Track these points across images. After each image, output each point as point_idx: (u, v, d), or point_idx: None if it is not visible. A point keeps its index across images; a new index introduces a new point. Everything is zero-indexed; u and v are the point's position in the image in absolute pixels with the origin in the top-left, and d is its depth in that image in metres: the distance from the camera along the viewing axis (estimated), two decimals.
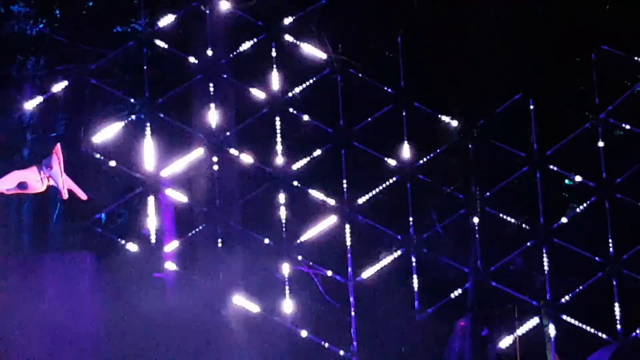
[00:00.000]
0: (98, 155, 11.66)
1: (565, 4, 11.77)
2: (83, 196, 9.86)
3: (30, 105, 11.92)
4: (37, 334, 10.69)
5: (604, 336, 11.57)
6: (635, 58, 12.14)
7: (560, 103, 12.28)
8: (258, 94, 12.05)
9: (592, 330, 11.62)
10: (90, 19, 12.09)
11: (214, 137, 11.90)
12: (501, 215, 11.99)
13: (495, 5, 11.96)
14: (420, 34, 12.00)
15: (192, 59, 12.04)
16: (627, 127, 12.14)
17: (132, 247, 11.72)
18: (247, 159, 11.96)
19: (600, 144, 12.03)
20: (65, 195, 9.77)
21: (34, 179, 9.68)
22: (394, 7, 11.65)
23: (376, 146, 11.98)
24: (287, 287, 11.79)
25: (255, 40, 12.13)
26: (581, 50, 12.08)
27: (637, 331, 11.67)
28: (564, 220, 12.10)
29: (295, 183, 11.88)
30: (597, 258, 11.81)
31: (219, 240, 11.88)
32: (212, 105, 12.00)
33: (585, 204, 12.07)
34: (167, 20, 12.05)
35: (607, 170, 11.97)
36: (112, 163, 11.79)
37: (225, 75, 12.06)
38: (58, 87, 11.90)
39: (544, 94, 12.10)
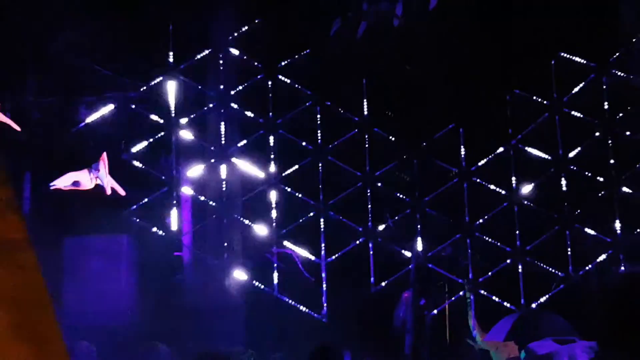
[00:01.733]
0: (135, 162, 11.75)
1: (485, 55, 11.80)
2: (122, 192, 10.05)
3: (84, 122, 12.02)
4: (91, 294, 10.87)
5: (511, 307, 11.58)
6: (539, 100, 12.14)
7: (483, 131, 12.24)
8: (257, 118, 12.08)
9: (503, 302, 11.67)
10: (131, 58, 12.11)
11: (223, 150, 11.90)
12: (437, 214, 11.99)
13: (435, 57, 12.11)
14: (381, 77, 12.12)
15: (208, 91, 12.11)
16: (533, 151, 12.16)
17: (159, 232, 11.74)
18: (247, 166, 11.94)
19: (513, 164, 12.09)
20: (109, 192, 9.95)
21: (86, 179, 9.84)
22: (360, 59, 11.72)
23: (345, 160, 11.98)
24: (275, 265, 11.77)
25: (256, 77, 12.14)
26: (498, 93, 12.12)
27: (534, 304, 11.66)
28: (482, 220, 12.10)
29: (283, 186, 11.92)
30: (507, 248, 11.83)
31: (224, 229, 11.87)
32: (223, 125, 12.06)
33: (499, 207, 12.03)
34: (190, 60, 12.03)
35: (517, 182, 11.98)
36: (146, 168, 11.83)
37: (232, 104, 12.06)
38: (105, 110, 11.87)
39: (471, 124, 12.14)
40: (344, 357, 4.51)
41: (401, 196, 12.10)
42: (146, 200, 11.86)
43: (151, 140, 11.92)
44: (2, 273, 1.00)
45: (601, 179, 11.90)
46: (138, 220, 11.78)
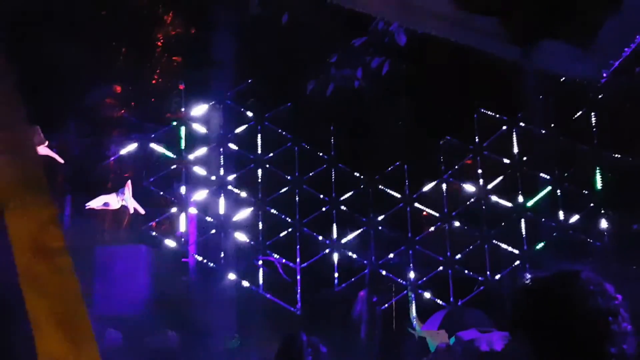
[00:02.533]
0: (153, 188, 11.73)
1: (424, 109, 11.84)
2: (142, 211, 9.95)
3: (114, 157, 11.98)
4: (116, 291, 10.74)
5: (443, 303, 11.49)
6: (465, 144, 12.16)
7: (422, 168, 12.24)
8: (249, 155, 12.04)
9: (437, 300, 11.60)
10: (151, 108, 12.11)
11: (221, 179, 11.85)
12: (386, 231, 11.96)
13: (386, 110, 12.19)
14: (344, 125, 12.18)
15: (211, 134, 12.06)
16: (460, 184, 12.19)
17: (170, 243, 11.58)
18: (240, 192, 11.95)
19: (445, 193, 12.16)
20: (132, 211, 9.86)
21: (114, 201, 9.74)
22: (329, 111, 11.76)
23: (316, 188, 11.97)
24: (260, 269, 11.72)
25: (248, 124, 12.16)
26: (434, 138, 12.16)
27: (461, 302, 11.53)
28: (421, 235, 12.11)
29: (268, 208, 11.87)
30: (440, 258, 11.77)
31: (221, 241, 11.76)
32: (222, 160, 12.02)
33: (435, 226, 12.07)
34: (196, 110, 12.06)
35: (448, 206, 11.94)
36: (161, 192, 11.85)
37: (230, 144, 12.07)
38: (130, 147, 11.88)
39: (413, 162, 12.15)
40: (304, 343, 4.41)
41: (359, 216, 12.04)
42: (161, 218, 11.81)
43: (165, 171, 11.86)
44: (44, 274, 0.98)
45: (511, 205, 11.94)
46: (154, 233, 11.72)
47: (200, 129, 12.12)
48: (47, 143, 8.10)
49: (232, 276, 11.64)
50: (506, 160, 12.10)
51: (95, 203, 9.56)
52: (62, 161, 8.71)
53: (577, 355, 1.76)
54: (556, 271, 1.88)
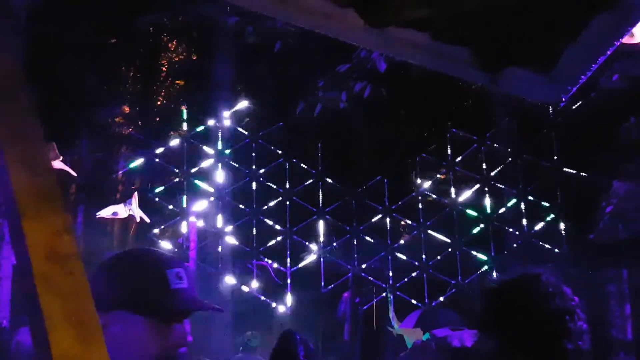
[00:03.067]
0: (157, 199, 11.68)
1: (403, 130, 11.90)
2: (147, 220, 9.89)
3: (122, 171, 11.92)
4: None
5: (418, 304, 11.42)
6: (439, 161, 12.20)
7: (400, 182, 12.33)
8: (244, 169, 11.98)
9: (414, 301, 11.52)
10: (156, 127, 12.09)
11: (219, 191, 11.77)
12: (368, 238, 11.89)
13: (368, 129, 12.24)
14: (331, 143, 12.21)
15: (210, 150, 11.97)
16: (435, 196, 12.19)
17: (173, 248, 11.46)
18: (236, 203, 11.89)
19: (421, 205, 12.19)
20: (138, 220, 9.78)
21: (122, 210, 9.67)
22: (317, 129, 11.81)
23: (305, 200, 11.89)
24: (254, 272, 11.64)
25: (244, 142, 12.06)
26: (411, 156, 12.25)
27: (434, 303, 11.49)
28: (400, 243, 12.11)
29: (262, 217, 11.77)
30: (416, 263, 11.69)
31: (219, 246, 11.75)
32: (220, 174, 11.85)
33: (411, 234, 12.09)
34: (197, 128, 11.98)
35: (424, 217, 11.91)
36: (165, 203, 11.69)
37: (227, 159, 12.01)
38: (137, 162, 11.79)
39: (392, 177, 12.17)
40: (297, 341, 4.39)
41: (343, 225, 12.01)
42: (164, 226, 11.75)
43: (169, 184, 11.80)
44: (58, 277, 0.98)
45: (481, 216, 11.97)
46: (158, 240, 11.60)
47: (200, 145, 12.06)
48: (61, 158, 8.05)
49: (228, 279, 11.57)
50: (476, 175, 12.13)
51: (105, 212, 9.51)
52: (75, 174, 8.66)
53: (537, 351, 1.77)
54: (519, 274, 1.90)
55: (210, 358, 9.42)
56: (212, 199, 11.83)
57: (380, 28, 2.13)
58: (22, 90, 1.17)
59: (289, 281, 11.59)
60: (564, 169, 11.68)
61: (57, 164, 7.94)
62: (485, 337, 1.85)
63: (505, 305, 1.83)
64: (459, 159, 12.12)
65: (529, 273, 1.88)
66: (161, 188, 11.70)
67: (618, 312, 9.63)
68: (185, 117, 12.09)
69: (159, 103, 12.42)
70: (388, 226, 11.98)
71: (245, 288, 11.60)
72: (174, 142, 12.01)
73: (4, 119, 1.10)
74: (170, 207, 11.74)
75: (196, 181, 11.81)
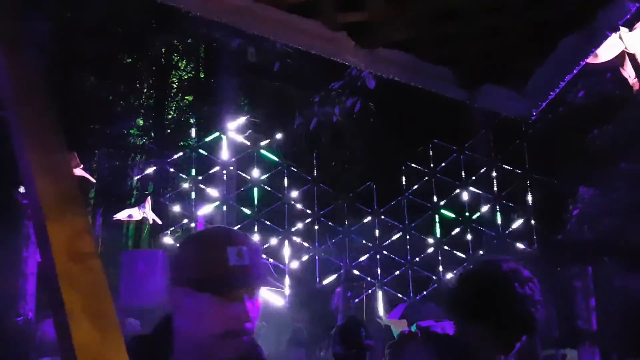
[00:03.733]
0: (169, 203, 11.66)
1: (388, 140, 11.86)
2: (159, 222, 9.85)
3: (137, 178, 11.89)
4: (138, 286, 10.58)
5: (404, 297, 11.44)
6: (422, 169, 12.14)
7: (387, 188, 12.23)
8: (247, 176, 11.97)
9: (400, 295, 11.50)
10: (168, 138, 12.06)
11: (224, 197, 11.78)
12: (359, 238, 11.89)
13: (359, 140, 12.21)
14: (325, 152, 12.20)
15: (216, 159, 11.97)
16: (419, 200, 12.19)
17: None
18: (239, 207, 11.95)
19: (406, 208, 12.15)
20: (151, 222, 9.74)
21: (136, 213, 9.63)
22: (313, 140, 11.78)
23: (301, 203, 11.88)
24: None
25: (246, 151, 12.02)
26: (397, 164, 12.22)
27: (418, 297, 11.50)
28: (387, 242, 12.06)
29: (263, 220, 11.77)
30: (402, 260, 11.70)
31: None
32: (225, 181, 11.91)
33: (397, 235, 12.02)
34: (205, 139, 12.06)
35: (409, 219, 11.95)
36: (176, 207, 11.77)
37: (231, 167, 12.01)
38: (150, 170, 11.82)
39: (380, 183, 12.18)
40: (359, 323, 4.54)
41: (336, 226, 11.97)
42: (174, 227, 11.68)
43: (179, 189, 11.74)
44: (78, 274, 0.97)
45: (460, 218, 11.96)
46: (169, 240, 11.56)
47: (207, 155, 12.03)
48: (82, 166, 8.00)
49: None
50: (456, 182, 12.12)
51: (121, 215, 9.49)
52: (94, 181, 8.62)
53: (499, 317, 1.80)
54: (483, 262, 1.94)
55: None
56: (218, 203, 11.79)
57: (370, 49, 2.14)
58: (47, 105, 1.17)
59: (287, 278, 11.57)
60: (535, 176, 11.70)
61: (78, 171, 7.90)
62: (463, 324, 1.87)
63: (471, 288, 1.87)
64: (440, 167, 12.14)
65: (491, 260, 1.94)
66: (172, 193, 11.65)
67: (584, 305, 9.63)
68: (193, 129, 12.06)
69: (170, 116, 12.39)
70: (377, 227, 11.96)
71: None
72: (184, 152, 11.96)
73: (31, 131, 1.10)
74: (181, 210, 11.68)
75: (204, 187, 11.78)
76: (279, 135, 12.10)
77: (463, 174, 12.13)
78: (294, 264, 11.67)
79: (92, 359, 0.90)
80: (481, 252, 11.73)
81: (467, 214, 11.97)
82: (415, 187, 12.10)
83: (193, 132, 12.04)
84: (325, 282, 11.62)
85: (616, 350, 8.80)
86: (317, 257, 11.68)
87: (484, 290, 1.84)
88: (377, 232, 11.95)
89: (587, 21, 2.04)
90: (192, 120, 12.09)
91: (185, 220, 11.65)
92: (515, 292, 1.80)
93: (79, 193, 1.06)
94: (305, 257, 11.74)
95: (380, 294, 11.49)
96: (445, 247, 11.75)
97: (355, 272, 11.72)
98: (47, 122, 1.13)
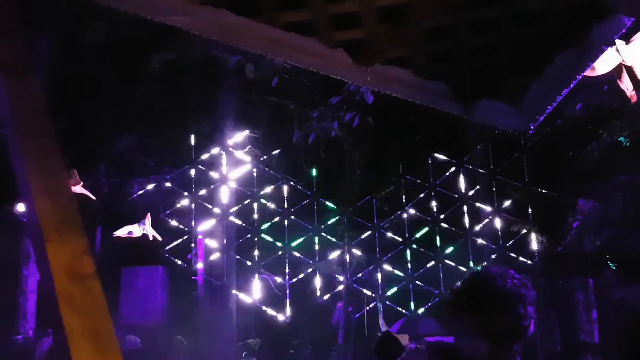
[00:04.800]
0: (168, 219, 11.66)
1: (389, 154, 11.87)
2: (159, 238, 9.81)
3: (136, 194, 11.87)
4: (138, 304, 10.55)
5: (405, 312, 11.43)
6: (422, 182, 12.20)
7: (387, 201, 12.26)
8: (246, 192, 11.98)
9: (400, 309, 11.48)
10: (167, 155, 12.04)
11: (224, 212, 11.73)
12: (359, 253, 11.87)
13: (357, 155, 12.20)
14: (325, 167, 12.17)
15: (215, 174, 12.01)
16: (418, 214, 12.21)
17: (183, 263, 11.51)
18: (239, 222, 11.93)
19: (406, 221, 12.14)
20: (151, 238, 9.70)
21: (136, 230, 9.60)
22: (312, 155, 11.77)
23: (302, 218, 11.87)
24: (256, 285, 11.57)
25: (245, 167, 12.05)
26: (396, 177, 12.23)
27: (420, 310, 11.41)
28: (388, 256, 12.04)
29: (262, 234, 11.83)
30: (402, 274, 11.70)
31: (224, 262, 11.58)
32: (224, 197, 11.81)
33: (398, 249, 11.98)
34: (204, 156, 12.07)
35: (409, 232, 11.96)
36: (175, 223, 11.70)
37: (230, 183, 11.95)
38: (150, 186, 11.82)
39: (380, 197, 12.19)
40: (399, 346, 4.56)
41: (336, 241, 11.94)
42: (175, 243, 11.63)
43: (178, 205, 11.73)
44: (77, 295, 0.97)
45: (460, 232, 11.95)
46: (169, 256, 11.52)
47: (207, 171, 12.02)
48: (82, 183, 8.01)
49: (233, 291, 11.48)
50: (455, 195, 12.13)
51: (121, 232, 9.44)
52: (94, 198, 8.60)
53: (493, 316, 1.83)
54: (474, 272, 2.00)
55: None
56: (217, 219, 11.77)
57: (367, 66, 2.16)
58: (46, 125, 1.18)
59: (287, 292, 11.52)
60: (534, 189, 11.71)
61: (78, 188, 7.90)
62: (466, 337, 1.88)
63: (462, 290, 1.93)
64: (439, 180, 12.14)
65: (482, 269, 2.00)
66: (172, 209, 11.62)
67: (585, 317, 9.59)
68: (193, 145, 12.07)
69: (170, 134, 12.39)
70: (377, 241, 11.94)
71: (248, 299, 11.48)
72: (183, 168, 11.95)
73: (30, 152, 1.11)
74: (180, 226, 11.65)
75: (203, 203, 11.76)
76: (278, 151, 12.11)
77: (462, 186, 12.13)
78: (295, 279, 11.59)
79: None
80: (482, 265, 11.69)
81: (467, 226, 11.95)
82: (415, 200, 12.10)
83: (192, 148, 11.97)
84: (326, 297, 11.57)
85: None
86: (317, 272, 11.63)
87: (470, 288, 1.90)
88: (377, 246, 11.88)
89: (583, 36, 2.06)
90: (191, 137, 12.06)
91: (186, 237, 11.60)
92: (503, 286, 1.85)
93: (79, 214, 1.06)
94: (305, 272, 11.69)
95: (381, 308, 11.42)
96: (447, 261, 11.71)
97: (356, 286, 11.66)
98: (47, 143, 1.14)
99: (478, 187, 12.13)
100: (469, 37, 2.17)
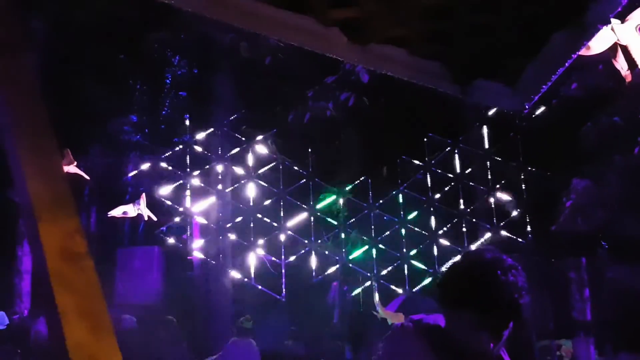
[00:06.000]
0: (163, 200, 11.61)
1: (385, 135, 11.83)
2: (154, 219, 9.82)
3: (131, 174, 11.85)
4: (134, 284, 10.59)
5: (401, 291, 11.44)
6: (418, 162, 12.17)
7: (383, 182, 12.27)
8: (242, 172, 12.03)
9: (396, 288, 11.50)
10: (162, 134, 12.02)
11: (220, 192, 11.72)
12: (354, 232, 11.91)
13: (353, 135, 12.19)
14: (321, 147, 12.19)
15: (211, 154, 11.96)
16: (414, 194, 12.29)
17: (178, 244, 11.47)
18: (235, 202, 11.88)
19: (403, 201, 12.17)
20: (146, 218, 9.71)
21: (131, 210, 9.61)
22: (307, 135, 11.75)
23: (297, 198, 11.82)
24: (252, 265, 11.57)
25: (241, 146, 11.97)
26: (393, 158, 12.25)
27: (416, 288, 11.52)
28: (383, 236, 12.07)
29: (259, 215, 11.79)
30: (397, 254, 11.72)
31: (220, 241, 11.61)
32: (220, 176, 11.89)
33: (393, 229, 11.97)
34: (199, 136, 12.03)
35: (404, 212, 11.98)
36: (170, 203, 11.66)
37: (226, 163, 12.00)
38: (144, 166, 11.82)
39: (376, 177, 12.20)
40: None
41: (332, 221, 11.94)
42: (170, 224, 11.63)
43: (174, 185, 11.71)
44: (70, 274, 0.97)
45: (455, 211, 11.98)
46: (164, 236, 11.52)
47: (202, 151, 11.99)
48: (75, 163, 7.96)
49: (229, 271, 11.51)
50: (450, 175, 12.14)
51: (116, 212, 9.45)
52: (88, 178, 8.57)
53: (484, 304, 1.83)
54: (467, 253, 2.01)
55: (216, 341, 9.38)
56: (213, 198, 11.75)
57: (362, 45, 2.14)
58: (39, 105, 1.17)
59: (283, 272, 11.54)
60: (529, 168, 11.73)
61: (72, 168, 7.86)
62: (451, 314, 1.90)
63: (458, 278, 1.92)
64: (435, 160, 12.13)
65: (474, 252, 1.98)
66: (167, 189, 11.60)
67: (578, 296, 9.68)
68: (187, 125, 12.02)
69: (164, 112, 12.34)
70: (372, 221, 11.94)
71: (244, 279, 11.52)
72: (178, 148, 11.91)
73: (23, 132, 1.10)
74: (175, 206, 11.62)
75: (198, 183, 11.74)
76: (273, 131, 12.05)
77: (458, 166, 12.14)
78: (291, 259, 11.62)
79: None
80: (476, 244, 11.76)
81: (462, 205, 11.98)
82: (411, 180, 12.09)
83: (187, 128, 11.93)
84: (321, 276, 11.60)
85: (610, 341, 8.85)
86: (313, 252, 11.64)
87: (468, 278, 1.88)
88: (372, 226, 11.90)
89: (579, 14, 2.04)
90: (186, 116, 12.01)
91: (181, 217, 11.61)
92: (498, 279, 1.84)
93: (71, 194, 1.05)
94: (301, 252, 11.70)
95: (376, 287, 11.48)
96: (441, 240, 11.76)
97: (352, 266, 11.70)
98: (40, 123, 1.13)
99: (473, 166, 12.13)
100: (466, 16, 2.15)
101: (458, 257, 2.03)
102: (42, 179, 1.03)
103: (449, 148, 12.18)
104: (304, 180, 11.96)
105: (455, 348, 1.84)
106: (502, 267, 1.85)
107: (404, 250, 11.81)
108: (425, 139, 12.13)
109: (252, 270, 11.52)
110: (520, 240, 11.52)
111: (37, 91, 1.20)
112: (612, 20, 4.22)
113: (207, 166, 11.90)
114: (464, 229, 11.82)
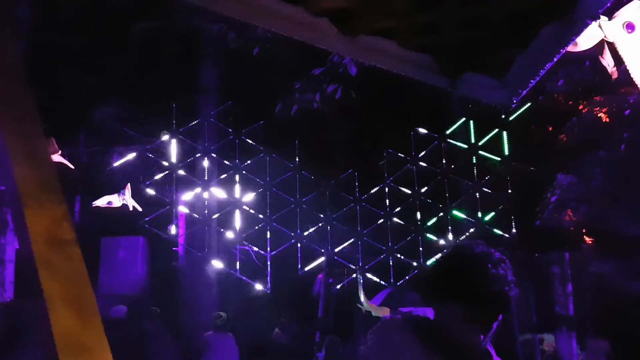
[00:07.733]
0: (149, 190, 11.48)
1: (371, 129, 11.81)
2: (140, 209, 9.76)
3: (116, 164, 11.76)
4: (119, 275, 10.53)
5: (385, 284, 11.47)
6: (404, 156, 12.08)
7: (369, 175, 12.17)
8: (228, 163, 11.87)
9: (381, 281, 11.56)
10: (148, 124, 11.92)
11: (205, 183, 11.68)
12: (340, 225, 11.86)
13: (340, 128, 12.18)
14: (307, 139, 12.16)
15: (197, 145, 11.91)
16: (400, 187, 12.30)
17: (163, 234, 11.43)
18: (221, 194, 11.82)
19: (387, 195, 12.23)
20: (131, 209, 9.65)
21: (116, 200, 9.55)
22: (294, 127, 11.73)
23: (284, 190, 11.79)
24: (237, 256, 11.51)
25: (228, 138, 11.91)
26: (379, 152, 12.23)
27: (399, 282, 11.50)
28: (368, 229, 12.00)
29: (244, 207, 11.82)
30: (383, 247, 11.69)
31: (206, 233, 11.62)
32: (206, 167, 11.89)
33: (379, 222, 11.97)
34: (186, 127, 11.85)
35: (390, 206, 11.99)
36: (155, 193, 11.54)
37: (213, 154, 11.96)
38: (130, 156, 11.67)
39: (362, 171, 12.18)
40: None
41: (318, 214, 11.94)
42: (155, 214, 11.53)
43: (159, 176, 11.65)
44: (57, 261, 0.96)
45: (440, 205, 12.03)
46: (150, 227, 11.44)
47: (188, 141, 11.91)
48: (60, 152, 7.88)
49: (214, 262, 11.49)
50: (436, 169, 12.18)
51: (101, 202, 9.39)
52: (72, 167, 8.48)
53: (474, 297, 1.85)
54: (456, 246, 2.02)
55: (200, 331, 9.38)
56: (198, 189, 11.70)
57: (352, 36, 2.13)
58: (25, 91, 1.15)
59: (269, 264, 11.53)
60: (514, 163, 11.80)
61: (56, 157, 7.79)
62: (440, 307, 1.91)
63: (447, 271, 1.94)
64: (421, 154, 12.14)
65: (463, 246, 2.03)
66: (152, 180, 11.53)
67: (561, 290, 9.78)
68: (174, 116, 11.94)
69: (151, 103, 12.24)
70: (358, 214, 11.94)
71: (229, 270, 11.50)
72: (164, 138, 11.83)
73: (8, 117, 1.08)
74: (161, 197, 11.54)
75: (184, 174, 11.68)
76: (260, 122, 11.98)
77: (444, 161, 12.18)
78: (276, 251, 11.62)
79: (72, 347, 0.90)
80: (461, 238, 11.81)
81: (447, 201, 12.03)
82: (397, 174, 12.09)
83: (174, 119, 11.85)
84: (307, 269, 11.59)
85: (592, 335, 8.95)
86: (298, 244, 11.63)
87: (458, 271, 1.90)
88: (358, 219, 11.91)
89: (568, 10, 2.05)
90: (173, 107, 11.92)
91: (167, 207, 11.54)
92: (488, 272, 1.85)
93: (58, 180, 1.04)
94: (287, 245, 11.67)
95: (361, 280, 11.50)
96: (426, 234, 11.81)
97: (337, 259, 11.73)
98: (25, 109, 1.12)
99: (459, 161, 12.17)
100: (455, 10, 2.15)
101: (447, 251, 2.04)
102: (28, 164, 1.01)
103: (435, 142, 12.20)
104: (291, 172, 11.92)
105: (445, 340, 1.85)
106: (492, 261, 1.87)
107: (390, 243, 11.82)
108: (411, 133, 12.14)
109: (238, 262, 11.48)
110: (504, 234, 11.58)
111: (24, 77, 1.19)
112: (601, 16, 4.24)
113: (193, 157, 11.83)
114: (449, 223, 11.86)
